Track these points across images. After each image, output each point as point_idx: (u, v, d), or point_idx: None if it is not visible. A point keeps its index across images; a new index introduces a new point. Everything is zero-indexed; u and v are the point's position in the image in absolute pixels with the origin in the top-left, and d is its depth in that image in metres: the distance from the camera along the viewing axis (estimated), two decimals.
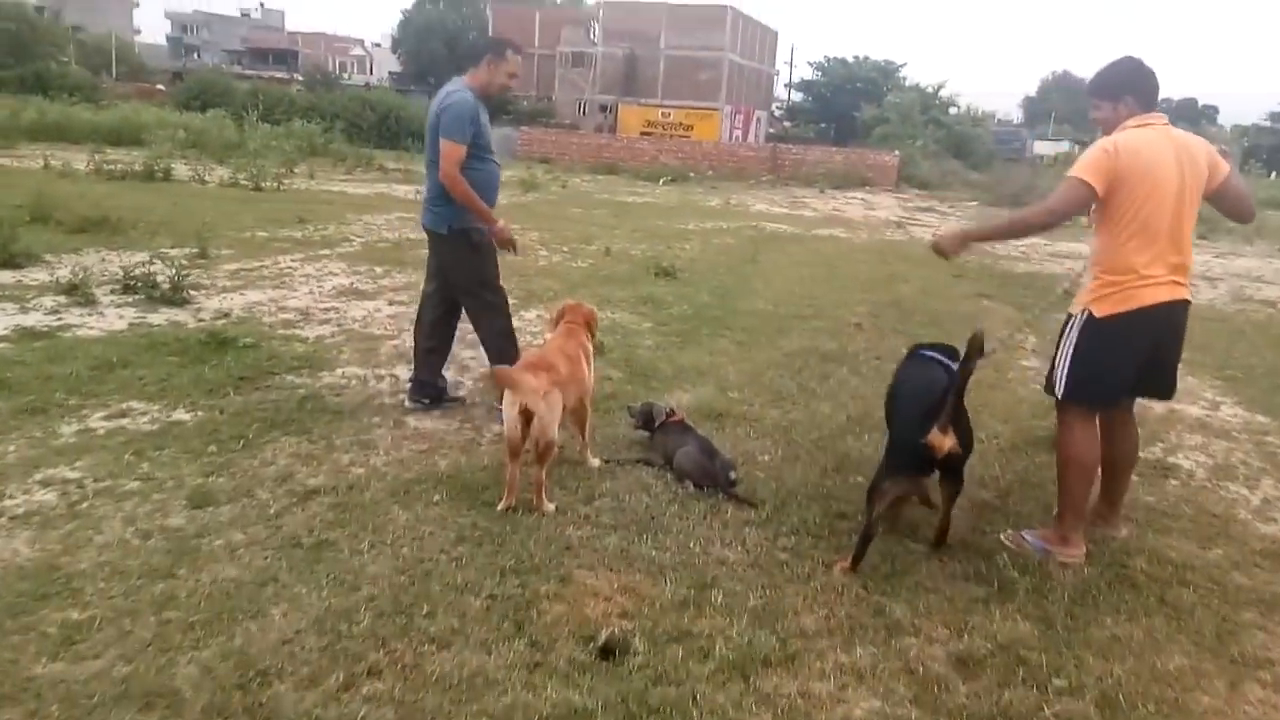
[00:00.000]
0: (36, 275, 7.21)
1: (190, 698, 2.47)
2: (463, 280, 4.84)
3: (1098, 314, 3.50)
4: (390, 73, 71.95)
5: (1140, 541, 3.87)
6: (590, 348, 4.36)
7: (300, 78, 57.00)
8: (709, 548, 3.53)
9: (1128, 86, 3.49)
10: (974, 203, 25.14)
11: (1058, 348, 3.67)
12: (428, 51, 61.41)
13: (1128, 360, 3.53)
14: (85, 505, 3.49)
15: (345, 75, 66.44)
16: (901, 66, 57.10)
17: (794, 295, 9.00)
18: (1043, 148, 51.45)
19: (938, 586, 3.37)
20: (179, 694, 2.48)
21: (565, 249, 11.26)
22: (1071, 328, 3.61)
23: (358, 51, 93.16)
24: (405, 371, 5.56)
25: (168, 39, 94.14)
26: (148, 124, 23.26)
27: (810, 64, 69.29)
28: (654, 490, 4.03)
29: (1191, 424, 5.65)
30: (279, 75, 61.01)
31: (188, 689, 2.50)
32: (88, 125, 22.92)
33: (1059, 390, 3.63)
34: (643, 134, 41.69)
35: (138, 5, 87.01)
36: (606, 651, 2.79)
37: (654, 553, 3.45)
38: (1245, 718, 2.69)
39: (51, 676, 2.49)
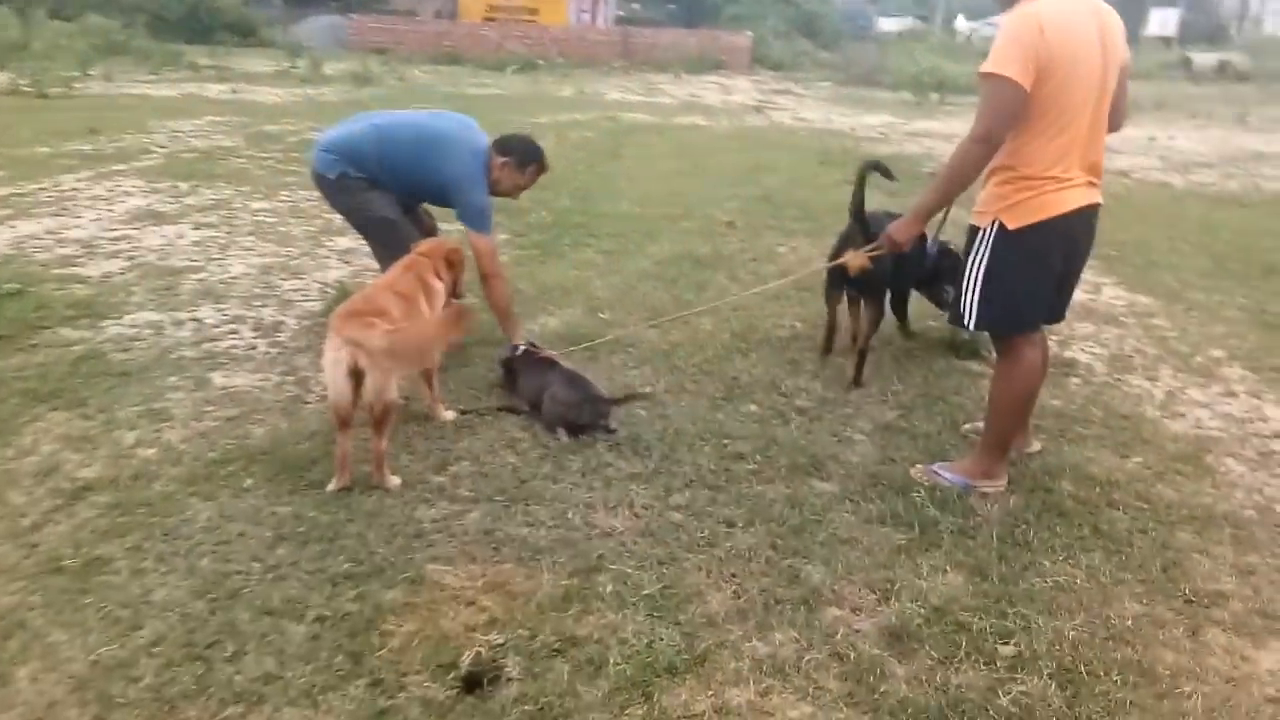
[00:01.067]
0: None
1: None
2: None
3: (1010, 225, 2.91)
4: None
5: (1058, 457, 3.54)
6: (435, 283, 3.60)
7: None
8: (591, 516, 2.96)
9: None
10: (826, 83, 24.85)
11: (962, 269, 3.11)
12: None
13: (1046, 278, 3.00)
14: None
15: None
16: None
17: (661, 193, 8.35)
18: (888, 24, 51.65)
19: (853, 535, 2.93)
20: None
21: None
22: (980, 244, 3.01)
23: None
24: (212, 313, 4.67)
25: None
26: None
27: None
28: (521, 446, 3.41)
29: (1079, 311, 5.41)
30: None
31: None
32: None
33: (968, 319, 3.08)
34: (485, 20, 39.14)
35: None
36: (472, 683, 2.21)
37: (525, 530, 2.85)
38: (1215, 675, 2.36)
39: None
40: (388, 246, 4.04)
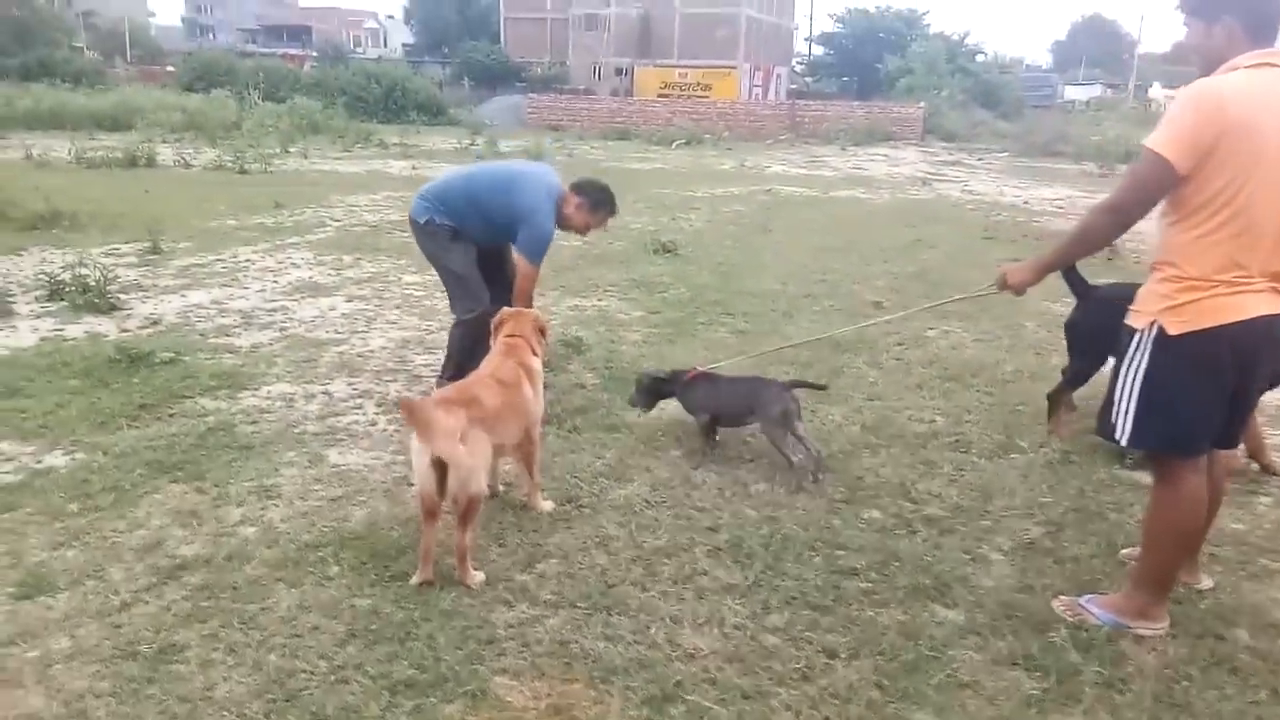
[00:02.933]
0: None
1: None
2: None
3: (1172, 330, 2.48)
4: (403, 44, 70.88)
5: (1236, 596, 3.00)
6: (537, 365, 3.53)
7: (314, 54, 56.17)
8: (676, 633, 2.71)
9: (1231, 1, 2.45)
10: (1004, 153, 23.88)
11: (1116, 374, 2.67)
12: (440, 21, 60.37)
13: (1215, 395, 2.53)
14: None
15: (359, 49, 65.57)
16: (925, 15, 55.08)
17: (806, 269, 8.09)
18: (1074, 93, 49.50)
19: (976, 678, 2.54)
20: None
21: None
22: (1137, 348, 2.58)
23: (371, 25, 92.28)
24: (343, 386, 4.78)
25: (182, 20, 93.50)
26: (143, 107, 22.58)
27: (831, 16, 67.19)
28: (614, 545, 3.21)
29: (1274, 414, 4.72)
30: (292, 52, 60.19)
31: None
32: (83, 111, 22.28)
33: (1120, 433, 2.64)
34: (660, 96, 40.39)
35: None
36: None
37: (603, 645, 2.64)
38: None
39: None
40: (457, 297, 4.58)
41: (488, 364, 3.44)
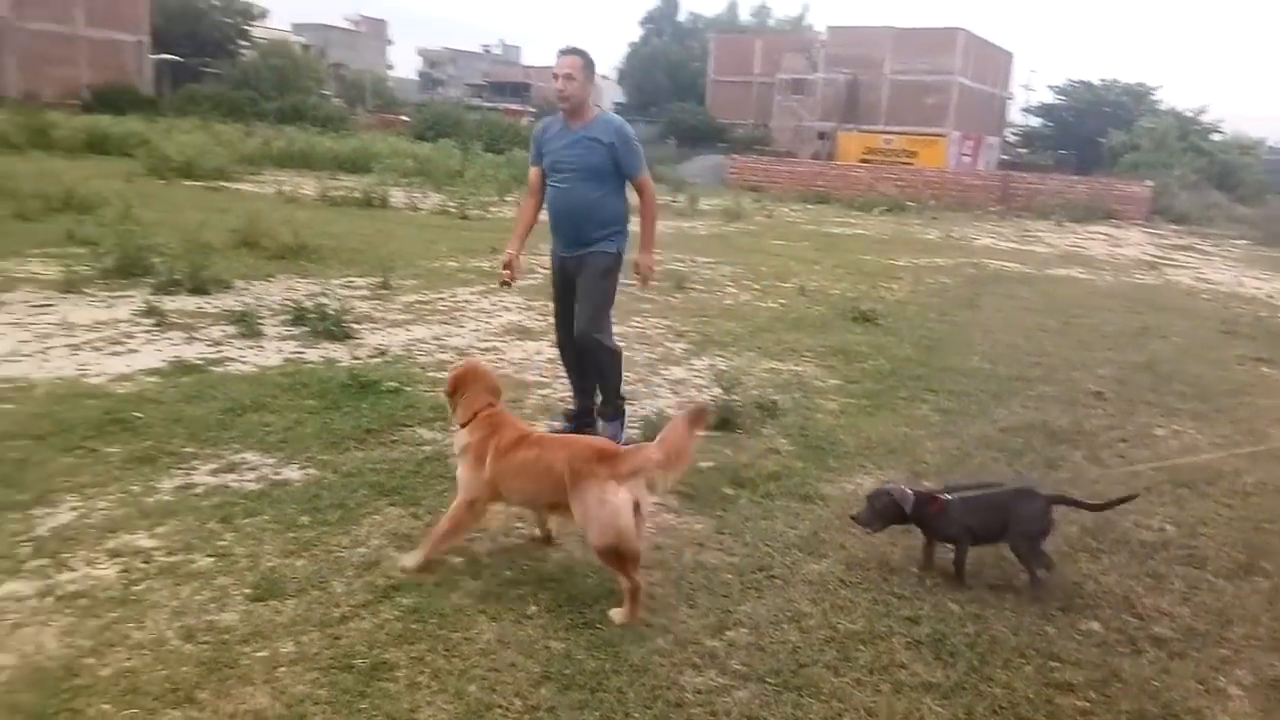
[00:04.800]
0: (219, 302, 7.26)
1: None
2: None
3: None
4: (614, 103, 74.18)
5: None
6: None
7: (532, 109, 59.69)
8: None
9: None
10: (1242, 240, 21.95)
11: None
12: (651, 82, 62.74)
13: None
14: (141, 587, 3.06)
15: None
16: (1156, 89, 51.86)
17: (1018, 350, 7.69)
18: None
19: None
20: None
21: (756, 286, 10.43)
22: None
23: None
24: (544, 429, 4.95)
25: (419, 74, 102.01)
26: (380, 153, 24.64)
27: (1051, 88, 64.48)
28: (807, 623, 3.13)
29: None
30: (513, 107, 64.22)
31: None
32: (328, 154, 24.56)
33: None
34: (862, 161, 40.03)
35: (391, 43, 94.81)
36: None
37: None
38: None
39: None
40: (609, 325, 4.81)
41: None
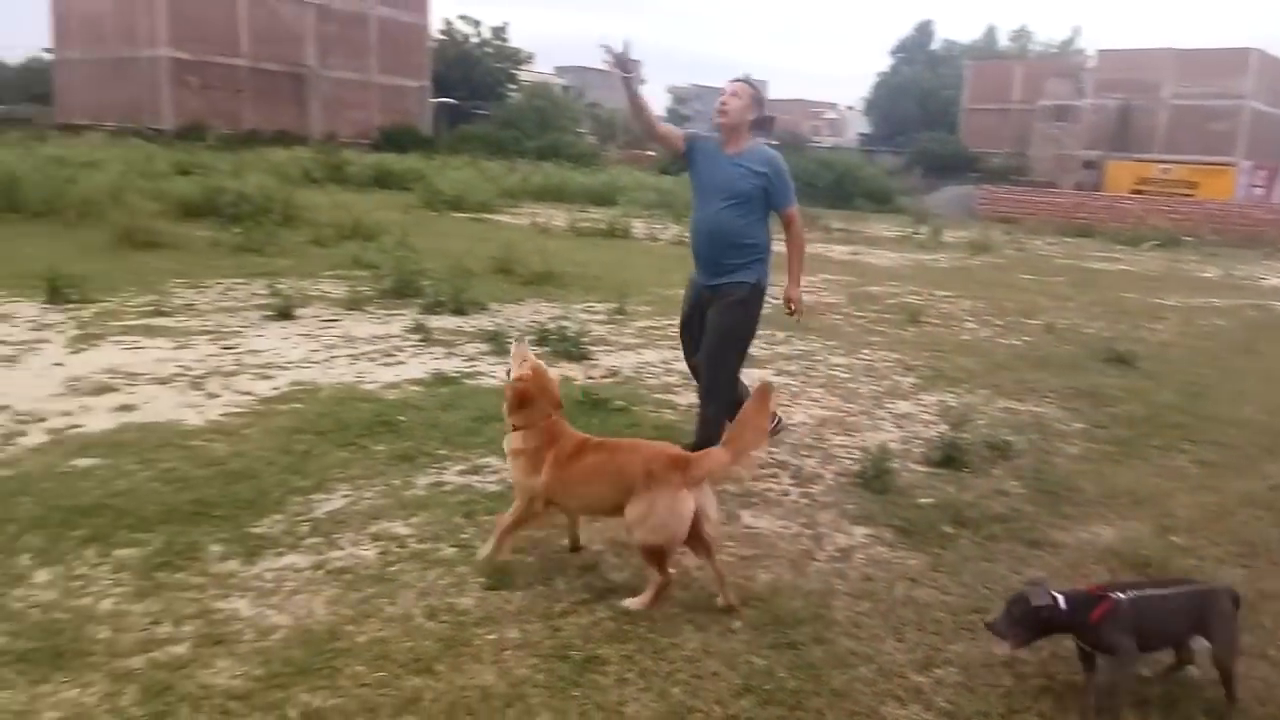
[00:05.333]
0: (476, 322, 7.96)
1: None
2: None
3: None
4: (859, 134, 73.11)
5: None
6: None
7: (774, 142, 60.16)
8: None
9: None
10: None
11: None
12: (899, 111, 61.40)
13: None
14: (396, 568, 3.47)
15: (816, 138, 68.89)
16: None
17: None
18: None
19: None
20: None
21: (999, 322, 9.94)
22: None
23: (831, 115, 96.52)
24: (762, 455, 5.04)
25: (667, 111, 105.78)
26: (625, 186, 25.84)
27: None
28: (1023, 669, 3.00)
29: None
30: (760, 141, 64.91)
31: None
32: (580, 188, 26.09)
33: None
34: (1133, 192, 36.89)
35: (644, 83, 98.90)
36: None
37: None
38: None
39: None
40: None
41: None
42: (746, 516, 4.17)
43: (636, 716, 2.65)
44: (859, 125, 78.95)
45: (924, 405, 6.30)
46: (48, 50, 47.14)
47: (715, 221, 4.59)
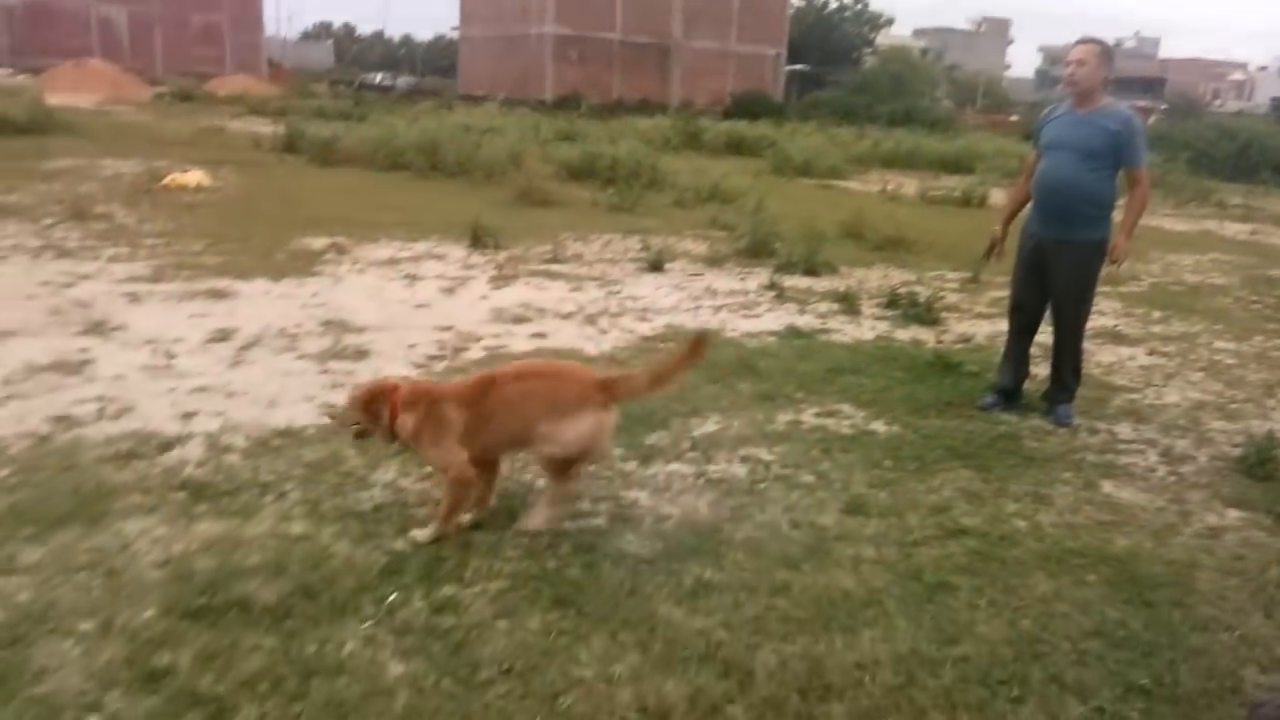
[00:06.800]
0: (826, 284, 8.29)
1: (759, 682, 2.63)
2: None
3: None
4: (1272, 98, 62.83)
5: None
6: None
7: (1163, 105, 53.59)
8: None
9: None
10: None
11: None
12: None
13: None
14: (762, 486, 3.95)
15: (1217, 102, 60.32)
16: None
17: None
18: None
19: None
20: (752, 674, 2.67)
21: None
22: None
23: (1237, 76, 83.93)
24: (1128, 430, 4.91)
25: (1035, 72, 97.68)
26: (984, 153, 24.57)
27: None
28: None
29: None
30: (1140, 104, 58.36)
31: (761, 673, 2.67)
32: (933, 154, 25.23)
33: None
34: None
35: (1012, 42, 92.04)
36: None
37: None
38: None
39: (669, 618, 2.91)
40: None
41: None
42: (1108, 486, 4.15)
43: (986, 636, 2.89)
44: (1273, 88, 67.83)
45: None
46: (455, 29, 54.11)
47: (1067, 176, 4.71)
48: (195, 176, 11.63)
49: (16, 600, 2.76)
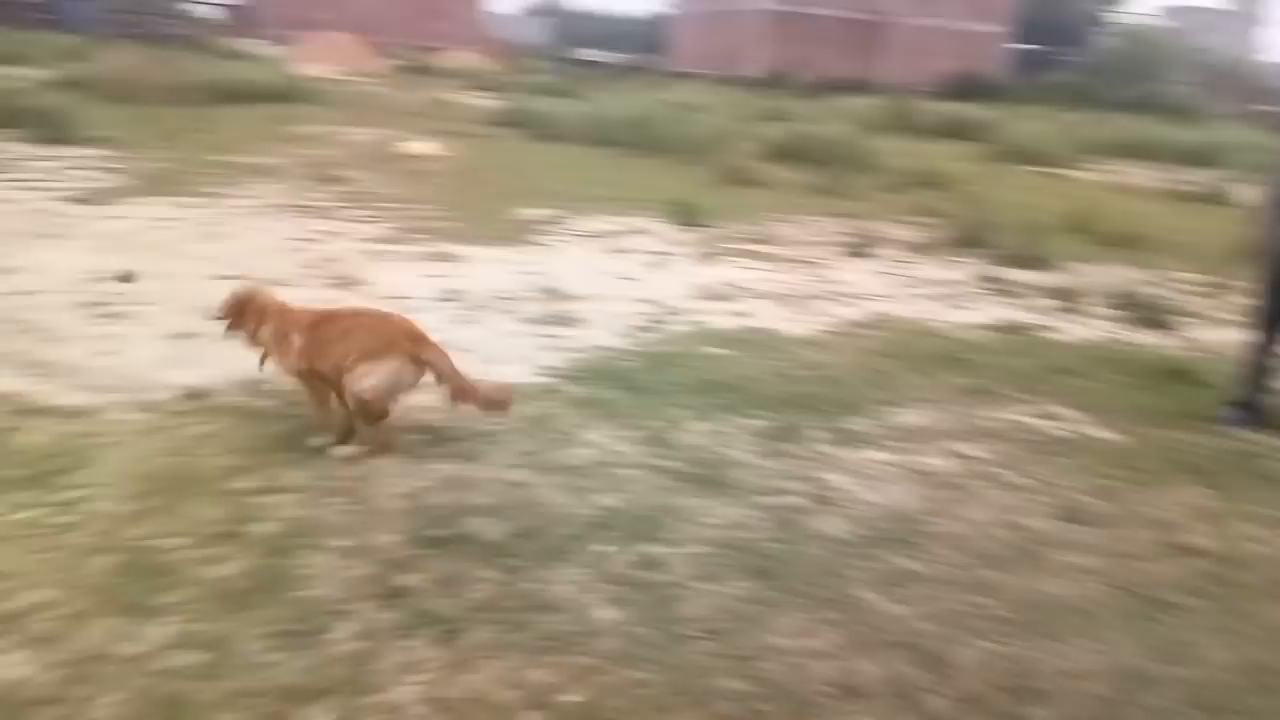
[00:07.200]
0: (1046, 278, 7.85)
1: (960, 676, 2.61)
2: None
3: None
4: None
5: None
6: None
7: None
8: None
9: None
10: None
11: None
12: None
13: None
14: (969, 482, 3.85)
15: None
16: None
17: None
18: None
19: None
20: (953, 667, 2.65)
21: None
22: None
23: None
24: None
25: None
26: (1233, 145, 22.26)
27: None
28: None
29: None
30: None
31: (963, 667, 2.65)
32: (1172, 144, 23.12)
33: None
34: None
35: (1260, 25, 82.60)
36: None
37: None
38: None
39: (868, 602, 2.93)
40: None
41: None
42: None
43: (1211, 660, 2.73)
44: None
45: None
46: (671, 6, 54.74)
47: None
48: (427, 146, 12.46)
49: (285, 515, 3.16)
